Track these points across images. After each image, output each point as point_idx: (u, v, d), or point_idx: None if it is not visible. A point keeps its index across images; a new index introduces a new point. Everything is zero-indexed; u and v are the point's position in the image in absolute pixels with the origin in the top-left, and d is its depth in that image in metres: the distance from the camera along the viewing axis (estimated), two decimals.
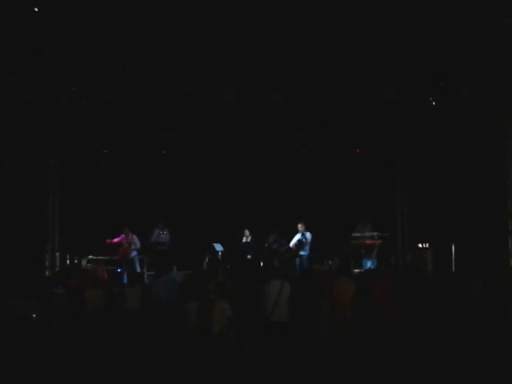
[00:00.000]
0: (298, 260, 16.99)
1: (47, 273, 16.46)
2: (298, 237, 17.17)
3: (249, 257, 17.19)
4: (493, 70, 12.30)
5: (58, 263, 17.01)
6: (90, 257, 16.90)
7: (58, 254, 17.15)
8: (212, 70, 13.35)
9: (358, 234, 17.11)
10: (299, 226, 17.15)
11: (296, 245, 17.13)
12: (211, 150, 18.76)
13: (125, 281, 15.85)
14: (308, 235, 17.06)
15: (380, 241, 16.79)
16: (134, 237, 17.35)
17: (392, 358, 9.75)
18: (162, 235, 17.85)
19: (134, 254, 17.31)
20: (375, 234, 16.92)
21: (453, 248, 14.75)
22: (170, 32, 11.73)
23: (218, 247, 17.58)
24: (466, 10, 11.20)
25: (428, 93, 14.39)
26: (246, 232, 17.96)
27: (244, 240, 17.93)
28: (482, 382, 9.03)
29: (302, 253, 16.98)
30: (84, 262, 16.71)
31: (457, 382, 9.07)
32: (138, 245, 17.36)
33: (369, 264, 16.40)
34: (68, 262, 16.90)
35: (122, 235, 17.28)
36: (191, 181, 19.38)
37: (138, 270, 17.00)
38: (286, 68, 13.17)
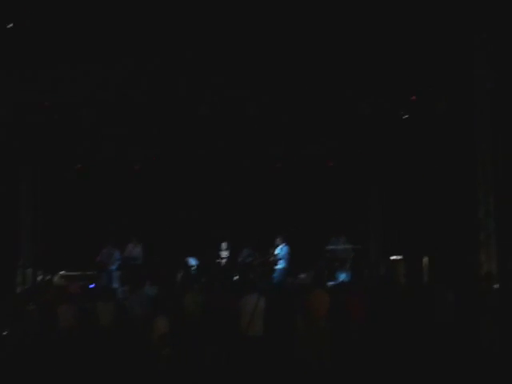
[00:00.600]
0: (276, 273, 16.93)
1: (19, 289, 16.19)
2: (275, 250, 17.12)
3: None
4: (465, 83, 12.42)
5: (29, 279, 16.72)
6: (63, 272, 16.67)
7: (30, 270, 16.88)
8: (186, 85, 13.31)
9: (331, 247, 17.12)
10: (277, 239, 17.09)
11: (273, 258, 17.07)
12: (185, 164, 18.71)
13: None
14: (285, 249, 17.00)
15: (353, 253, 16.82)
16: (116, 251, 17.24)
17: (368, 371, 9.74)
18: (135, 250, 17.69)
19: (114, 267, 17.17)
20: (348, 246, 16.96)
21: (424, 260, 14.81)
22: (144, 48, 11.69)
23: (192, 261, 17.46)
24: (440, 25, 11.31)
25: (401, 106, 14.50)
26: (223, 245, 17.82)
27: (222, 254, 17.77)
28: None
29: (277, 266, 16.92)
30: (56, 278, 16.48)
31: None
32: (119, 258, 17.24)
33: (342, 277, 16.40)
34: (40, 278, 16.64)
35: (104, 249, 17.16)
36: (165, 195, 19.30)
37: (115, 285, 16.80)
38: (261, 82, 13.16)
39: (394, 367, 9.82)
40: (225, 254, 17.82)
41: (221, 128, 15.60)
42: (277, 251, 17.04)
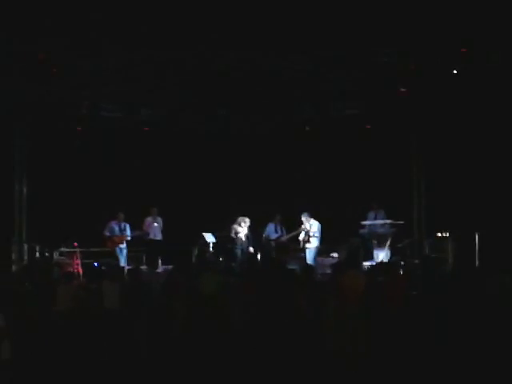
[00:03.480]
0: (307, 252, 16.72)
1: (14, 267, 16.34)
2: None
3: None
4: None
5: (26, 256, 16.87)
6: (63, 249, 16.76)
7: (26, 245, 17.01)
8: (199, 36, 13.10)
9: (368, 223, 16.98)
10: (303, 215, 16.81)
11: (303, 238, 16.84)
12: (201, 126, 18.59)
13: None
14: (315, 224, 16.73)
15: (394, 229, 16.69)
16: (127, 225, 17.38)
17: (404, 365, 9.62)
18: (154, 224, 17.66)
19: (124, 244, 17.31)
20: (388, 221, 16.81)
21: (476, 237, 14.65)
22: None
23: (209, 238, 17.39)
24: None
25: (449, 61, 14.22)
26: (240, 220, 17.44)
27: (237, 229, 17.28)
28: None
29: (308, 245, 16.70)
30: (56, 255, 16.57)
31: None
32: (129, 234, 17.36)
33: (381, 256, 16.31)
34: (38, 254, 16.75)
35: (113, 221, 17.24)
36: (179, 162, 19.23)
37: (123, 263, 16.87)
38: (287, 30, 12.88)
39: (438, 362, 9.71)
40: (240, 229, 17.16)
41: (239, 85, 15.40)
42: (307, 227, 16.82)
